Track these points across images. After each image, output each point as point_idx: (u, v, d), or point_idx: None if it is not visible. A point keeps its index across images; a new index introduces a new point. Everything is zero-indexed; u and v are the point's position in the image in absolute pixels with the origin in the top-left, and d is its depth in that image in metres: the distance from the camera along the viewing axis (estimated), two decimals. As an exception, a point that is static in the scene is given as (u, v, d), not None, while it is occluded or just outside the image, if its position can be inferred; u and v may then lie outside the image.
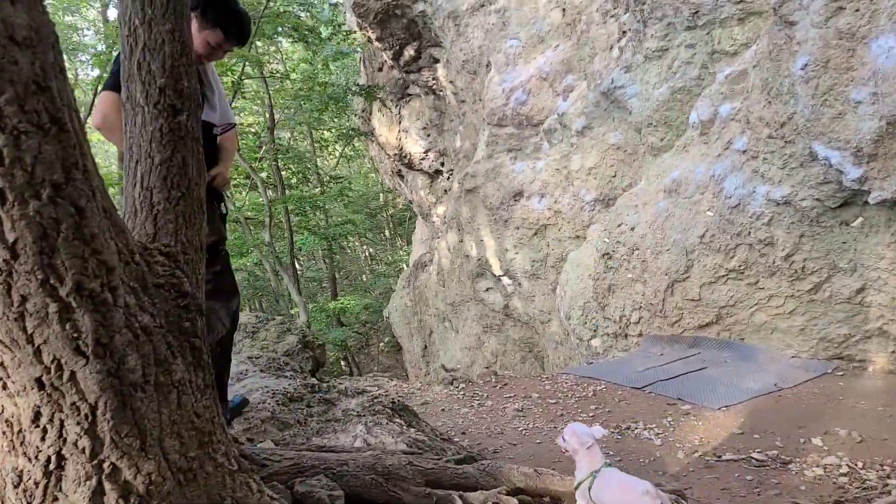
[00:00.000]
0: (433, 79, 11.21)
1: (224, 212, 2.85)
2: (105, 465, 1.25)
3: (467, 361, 11.81)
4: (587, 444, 1.97)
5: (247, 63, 10.63)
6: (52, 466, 1.24)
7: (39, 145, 1.15)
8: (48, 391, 1.22)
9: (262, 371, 3.39)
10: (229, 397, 2.96)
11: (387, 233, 29.29)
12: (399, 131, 12.64)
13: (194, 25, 2.60)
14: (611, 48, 7.71)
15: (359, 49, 11.74)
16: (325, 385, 3.28)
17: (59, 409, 1.23)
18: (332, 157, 21.73)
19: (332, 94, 11.61)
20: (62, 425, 1.24)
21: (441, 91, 11.41)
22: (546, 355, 10.14)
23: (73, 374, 1.22)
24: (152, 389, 1.33)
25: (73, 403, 1.23)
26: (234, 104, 11.27)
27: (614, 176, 7.86)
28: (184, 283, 1.48)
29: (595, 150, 8.03)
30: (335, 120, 14.38)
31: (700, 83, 6.71)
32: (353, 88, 11.93)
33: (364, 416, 2.57)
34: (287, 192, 13.99)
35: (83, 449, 1.25)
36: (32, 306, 1.17)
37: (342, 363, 20.68)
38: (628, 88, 7.33)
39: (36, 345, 1.19)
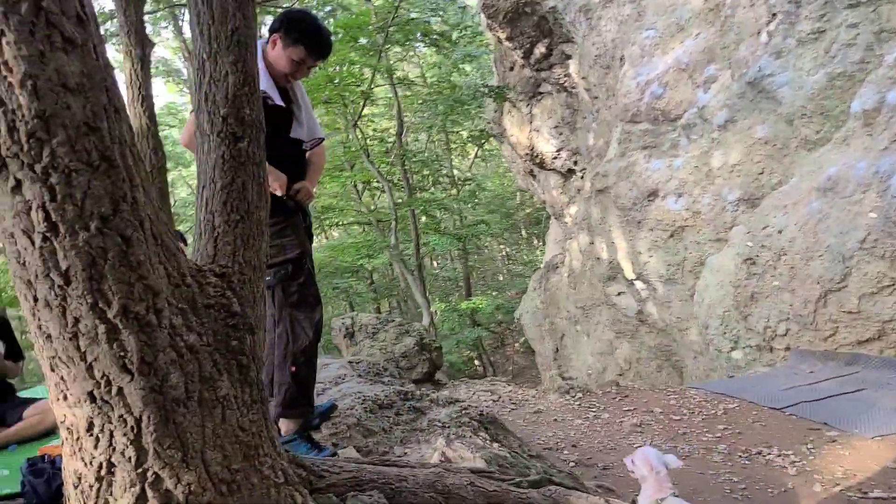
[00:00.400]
0: (565, 76, 10.92)
1: (308, 225, 2.90)
2: (149, 474, 1.29)
3: (599, 367, 11.39)
4: (657, 470, 1.78)
5: (377, 71, 10.98)
6: (103, 472, 1.30)
7: (89, 181, 1.22)
8: (99, 404, 1.28)
9: (359, 376, 3.42)
10: (322, 402, 3.02)
11: (523, 232, 29.12)
12: (530, 131, 12.46)
13: (278, 45, 2.68)
14: (758, 33, 7.05)
15: (489, 50, 11.71)
16: (417, 392, 3.25)
17: (109, 421, 1.29)
18: (467, 158, 21.94)
19: (459, 98, 11.65)
20: (111, 435, 1.29)
21: (573, 88, 11.09)
22: (684, 365, 9.53)
23: (120, 389, 1.27)
24: (195, 405, 1.34)
25: (121, 416, 1.28)
26: (364, 112, 11.70)
27: (761, 173, 7.20)
28: (233, 304, 1.49)
29: (739, 145, 7.39)
30: (464, 122, 14.48)
31: (864, 67, 5.95)
32: (483, 90, 11.90)
33: (449, 427, 2.51)
34: (418, 194, 14.29)
35: (129, 458, 1.29)
36: (84, 327, 1.24)
37: (475, 362, 20.83)
38: (778, 76, 6.67)
39: (88, 362, 1.25)
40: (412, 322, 6.35)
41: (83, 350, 1.24)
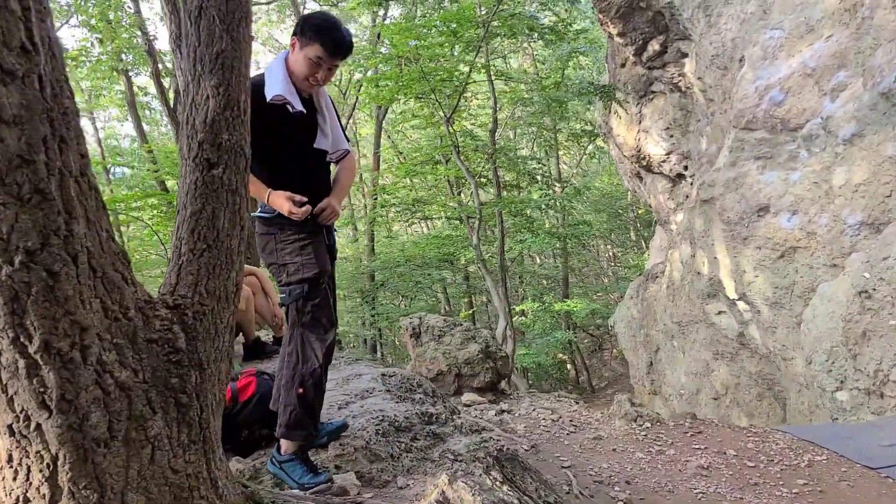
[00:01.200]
0: (679, 75, 10.28)
1: (331, 244, 2.82)
2: (59, 515, 1.26)
3: (692, 388, 10.73)
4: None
5: (473, 67, 10.78)
6: None
7: (17, 215, 1.19)
8: (18, 438, 1.26)
9: (388, 391, 3.32)
10: (338, 418, 2.97)
11: (632, 234, 28.04)
12: (638, 131, 11.87)
13: (296, 47, 2.62)
14: (898, 38, 6.27)
15: (594, 46, 11.20)
16: (443, 416, 3.10)
17: (27, 455, 1.27)
18: (575, 155, 21.34)
19: (556, 97, 11.21)
20: (29, 470, 1.27)
21: (688, 88, 10.42)
22: (788, 397, 8.77)
23: (38, 425, 1.25)
24: (120, 444, 1.30)
25: (38, 452, 1.26)
26: (462, 107, 11.53)
27: (888, 196, 6.43)
28: (178, 339, 1.44)
29: (866, 162, 6.63)
30: (569, 121, 14.01)
31: None
32: (589, 88, 11.43)
33: (461, 461, 2.36)
34: (515, 193, 14.01)
35: (44, 495, 1.27)
36: (5, 360, 1.22)
37: (568, 366, 20.36)
38: (917, 88, 5.90)
39: (8, 395, 1.24)
40: (479, 328, 6.19)
41: (4, 383, 1.22)
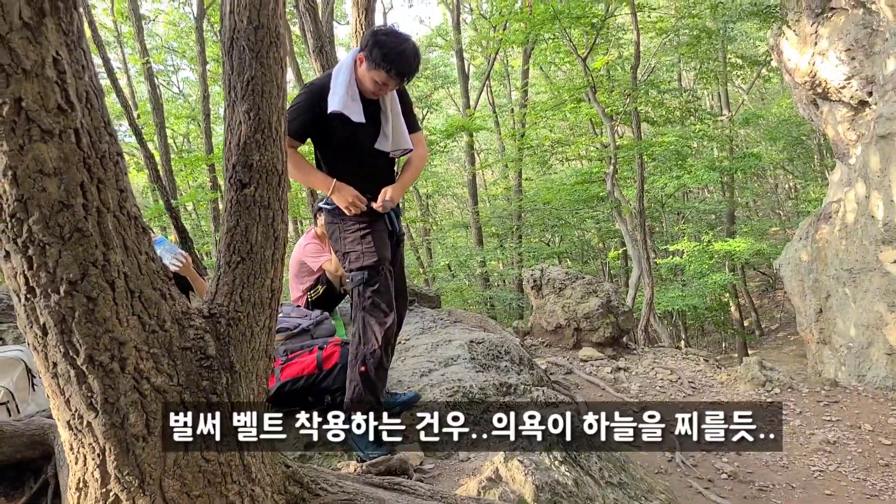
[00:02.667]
0: (864, -12, 8.88)
1: (392, 229, 2.92)
2: (111, 495, 1.57)
3: (863, 342, 9.73)
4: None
5: (610, 4, 9.96)
6: (80, 485, 1.60)
7: (59, 252, 1.45)
8: (74, 432, 1.57)
9: (472, 359, 3.41)
10: (415, 389, 3.17)
11: (815, 162, 25.26)
12: (814, 54, 10.49)
13: (363, 64, 2.69)
14: None
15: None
16: (521, 387, 3.15)
17: (83, 446, 1.58)
18: (746, 79, 19.34)
19: (704, 28, 10.06)
20: (85, 458, 1.58)
21: (873, 2, 8.99)
22: (977, 357, 7.71)
23: (89, 423, 1.54)
24: (157, 439, 1.57)
25: (90, 444, 1.56)
26: (597, 44, 10.73)
27: None
28: (209, 347, 1.67)
29: None
30: (729, 45, 12.61)
31: None
32: (751, 9, 10.19)
33: (522, 438, 2.43)
34: (663, 129, 13.07)
35: (97, 479, 1.58)
36: (60, 370, 1.52)
37: (731, 307, 19.22)
38: None
39: (66, 397, 1.54)
40: (602, 282, 6.07)
41: (62, 387, 1.52)
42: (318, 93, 2.75)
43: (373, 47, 2.63)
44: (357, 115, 2.70)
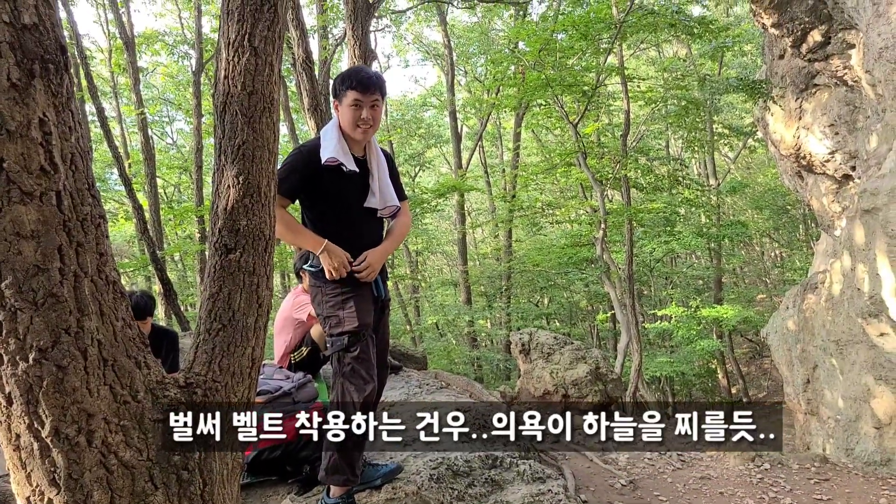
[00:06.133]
0: (845, 67, 9.18)
1: (377, 294, 2.89)
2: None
3: (850, 415, 9.64)
4: None
5: (601, 72, 10.28)
6: None
7: (31, 318, 1.38)
8: None
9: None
10: (400, 456, 3.06)
11: (801, 232, 25.59)
12: (798, 128, 10.77)
13: (339, 106, 2.80)
14: None
15: (739, 39, 10.24)
16: (507, 460, 3.05)
17: (41, 526, 1.47)
18: (734, 148, 19.80)
19: (692, 100, 10.38)
20: (43, 539, 1.48)
21: (855, 82, 9.29)
22: (966, 435, 7.63)
23: (50, 500, 1.45)
24: (121, 519, 1.47)
25: (50, 523, 1.45)
26: (588, 111, 11.04)
27: None
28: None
29: None
30: (715, 116, 12.97)
31: None
32: (735, 83, 10.52)
33: None
34: (651, 196, 13.27)
35: (56, 560, 1.46)
36: (23, 442, 1.44)
37: (718, 374, 19.10)
38: None
39: (27, 471, 1.46)
40: (591, 348, 6.00)
41: (23, 460, 1.43)
42: (308, 152, 2.82)
43: (334, 86, 2.84)
44: (350, 164, 2.77)
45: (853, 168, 10.57)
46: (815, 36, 9.21)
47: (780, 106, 10.77)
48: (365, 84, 2.75)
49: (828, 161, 10.79)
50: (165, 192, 22.53)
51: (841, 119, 10.06)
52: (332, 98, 2.87)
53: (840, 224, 11.20)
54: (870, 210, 7.75)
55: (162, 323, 13.52)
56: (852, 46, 8.94)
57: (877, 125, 9.32)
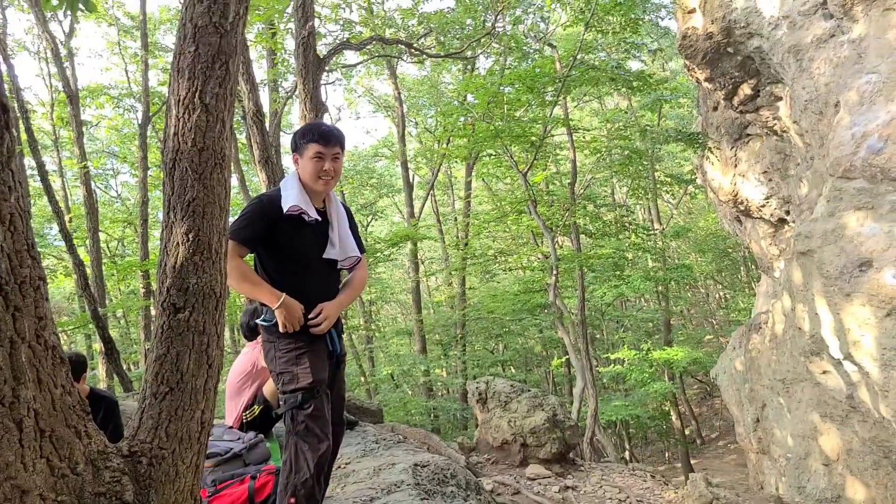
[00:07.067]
0: (774, 118, 9.71)
1: (334, 350, 2.86)
2: None
3: (800, 452, 9.84)
4: None
5: (548, 123, 10.69)
6: None
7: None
8: None
9: (417, 485, 3.25)
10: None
11: (742, 274, 26.46)
12: (734, 175, 11.27)
13: (300, 160, 2.84)
14: None
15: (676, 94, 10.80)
16: (467, 520, 3.01)
17: None
18: (675, 194, 20.57)
19: (635, 150, 10.86)
20: None
21: (784, 132, 9.82)
22: (910, 467, 7.85)
23: (-21, 586, 1.33)
24: None
25: None
26: (537, 160, 11.41)
27: None
28: (126, 491, 1.50)
29: (983, 215, 5.95)
30: (657, 164, 13.52)
31: None
32: (672, 135, 11.02)
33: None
34: (600, 242, 13.67)
35: None
36: None
37: (671, 416, 19.31)
38: None
39: None
40: (548, 395, 6.00)
41: (-49, 544, 1.32)
42: (269, 201, 2.83)
43: (294, 141, 2.89)
44: (312, 213, 2.78)
45: (787, 212, 11.08)
46: (746, 89, 9.73)
47: (717, 156, 11.27)
48: (326, 137, 2.81)
49: (763, 206, 11.28)
50: (108, 247, 21.85)
51: (773, 166, 10.59)
52: (291, 152, 2.90)
53: (778, 266, 11.66)
54: (805, 252, 8.09)
55: (103, 384, 12.93)
56: (780, 99, 9.47)
57: (807, 172, 9.83)
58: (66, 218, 13.47)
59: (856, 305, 7.38)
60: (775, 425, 11.16)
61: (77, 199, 18.12)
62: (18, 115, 10.41)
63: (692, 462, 17.19)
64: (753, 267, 24.28)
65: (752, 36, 8.89)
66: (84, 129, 14.95)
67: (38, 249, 1.62)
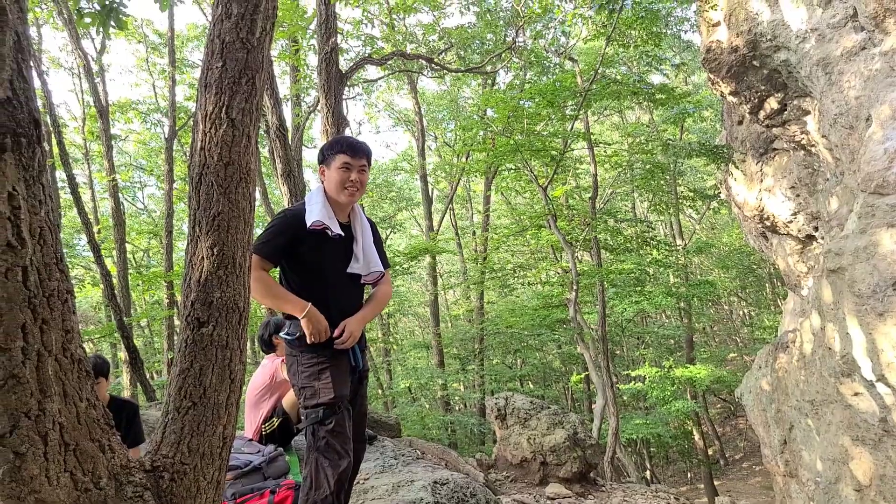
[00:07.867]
0: (802, 133, 9.57)
1: (355, 365, 2.83)
2: None
3: (830, 476, 9.57)
4: None
5: (569, 138, 10.64)
6: None
7: (-12, 402, 1.29)
8: None
9: (436, 503, 3.22)
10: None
11: (767, 290, 26.04)
12: (760, 191, 11.11)
13: (326, 172, 2.87)
14: None
15: (698, 107, 10.71)
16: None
17: None
18: (699, 209, 20.36)
19: (657, 163, 10.77)
20: None
21: (812, 146, 9.67)
22: (945, 493, 7.60)
23: None
24: None
25: None
26: (557, 175, 11.37)
27: None
28: (148, 506, 1.48)
29: None
30: (679, 178, 13.39)
31: None
32: (696, 149, 10.92)
33: None
34: (620, 257, 13.52)
35: None
36: None
37: (694, 436, 18.98)
38: None
39: None
40: (568, 412, 5.92)
41: (-26, 559, 1.31)
42: (293, 216, 2.84)
43: (321, 154, 2.91)
44: (335, 228, 2.78)
45: (816, 228, 10.88)
46: (772, 103, 9.61)
47: (742, 170, 11.14)
48: (354, 148, 2.85)
49: (791, 222, 11.09)
50: (134, 258, 22.19)
51: (801, 182, 10.42)
52: (318, 164, 2.92)
53: (807, 283, 11.44)
54: (835, 270, 7.91)
55: (127, 392, 13.06)
56: (807, 113, 9.34)
57: (836, 188, 9.65)
58: (95, 229, 13.71)
59: (889, 325, 7.18)
60: (803, 448, 10.88)
61: (105, 210, 18.46)
62: (51, 129, 10.64)
63: (715, 483, 16.84)
64: (779, 284, 23.88)
65: (778, 49, 8.78)
66: (113, 142, 15.24)
67: (67, 261, 1.62)
